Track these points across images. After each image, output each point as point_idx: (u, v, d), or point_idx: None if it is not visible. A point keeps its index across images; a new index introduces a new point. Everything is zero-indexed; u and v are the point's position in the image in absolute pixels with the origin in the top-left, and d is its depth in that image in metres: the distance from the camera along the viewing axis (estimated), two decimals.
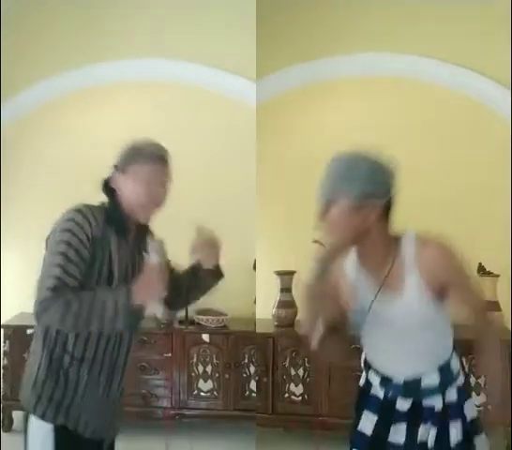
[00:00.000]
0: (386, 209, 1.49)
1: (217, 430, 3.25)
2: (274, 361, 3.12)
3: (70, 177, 3.30)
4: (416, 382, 1.59)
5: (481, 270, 3.07)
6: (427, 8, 3.26)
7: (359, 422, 1.69)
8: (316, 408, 3.08)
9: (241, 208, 3.37)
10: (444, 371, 1.60)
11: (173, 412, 3.17)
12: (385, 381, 1.65)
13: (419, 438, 1.60)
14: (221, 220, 3.42)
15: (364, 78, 3.39)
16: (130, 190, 1.63)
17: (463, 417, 1.61)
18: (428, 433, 1.59)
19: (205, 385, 3.21)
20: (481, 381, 2.81)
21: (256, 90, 3.34)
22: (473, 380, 2.82)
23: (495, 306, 3.01)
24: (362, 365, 1.77)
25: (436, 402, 1.60)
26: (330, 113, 3.48)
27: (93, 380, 1.62)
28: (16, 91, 3.54)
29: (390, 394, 1.64)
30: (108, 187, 1.67)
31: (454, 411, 1.60)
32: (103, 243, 1.59)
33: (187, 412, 3.21)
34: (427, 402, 1.60)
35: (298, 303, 1.48)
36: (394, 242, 1.53)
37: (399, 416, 1.62)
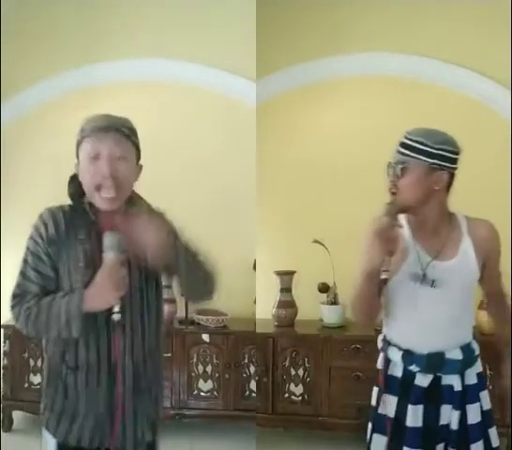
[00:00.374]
0: (452, 179, 1.67)
1: (217, 430, 3.25)
2: (274, 361, 3.12)
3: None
4: (440, 355, 1.65)
5: None
6: (427, 8, 3.26)
7: (379, 405, 1.72)
8: (316, 408, 3.08)
9: (241, 208, 3.37)
10: (466, 351, 1.68)
11: (173, 412, 3.17)
12: (408, 354, 1.68)
13: (441, 421, 1.66)
14: (221, 220, 3.45)
15: (364, 78, 3.39)
16: (81, 173, 1.49)
17: (481, 404, 1.70)
18: (449, 416, 1.66)
19: (205, 385, 3.21)
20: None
21: (256, 90, 3.34)
22: None
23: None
24: (379, 345, 1.79)
25: (455, 382, 1.66)
26: (330, 113, 3.48)
27: (92, 389, 1.50)
28: (16, 91, 3.54)
29: (412, 367, 1.67)
30: (76, 183, 1.53)
31: (473, 394, 1.68)
32: (67, 242, 1.48)
33: (187, 412, 3.21)
34: (446, 381, 1.66)
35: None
36: (448, 214, 1.71)
37: (418, 395, 1.66)
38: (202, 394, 3.21)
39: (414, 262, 1.65)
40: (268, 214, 3.47)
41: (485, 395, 1.73)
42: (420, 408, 1.66)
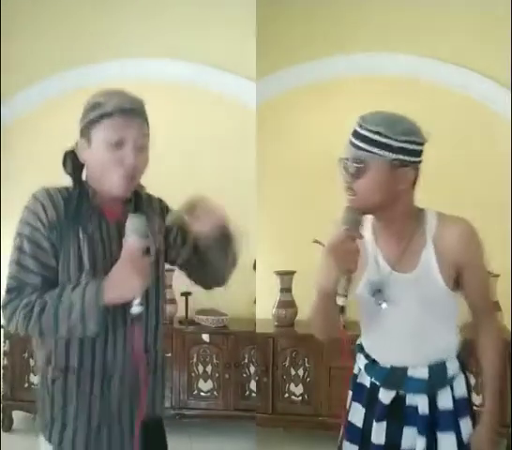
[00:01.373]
0: (417, 174, 1.41)
1: (217, 430, 3.25)
2: (274, 361, 3.12)
3: None
4: (402, 371, 1.47)
5: None
6: (427, 9, 3.26)
7: (349, 412, 1.57)
8: (316, 408, 3.08)
9: (241, 208, 3.35)
10: (436, 370, 1.47)
11: (173, 412, 3.17)
12: (372, 364, 1.53)
13: (404, 445, 1.46)
14: None
15: (364, 78, 3.38)
16: (96, 158, 1.32)
17: (458, 434, 1.46)
18: (414, 441, 1.45)
19: (205, 385, 3.21)
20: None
21: (256, 90, 3.34)
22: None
23: (495, 305, 3.01)
24: (356, 348, 1.63)
25: (421, 403, 1.46)
26: (330, 113, 3.48)
27: (84, 393, 1.35)
28: (15, 91, 3.54)
29: (373, 379, 1.53)
30: (73, 161, 1.38)
31: (446, 421, 1.46)
32: (68, 228, 1.31)
33: (187, 412, 3.21)
34: (410, 401, 1.48)
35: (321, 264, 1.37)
36: (416, 215, 1.45)
37: (381, 411, 1.49)
38: (202, 394, 3.21)
39: (373, 272, 1.46)
40: (268, 214, 3.47)
41: (466, 423, 1.46)
42: (383, 425, 1.48)
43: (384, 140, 1.32)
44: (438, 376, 1.47)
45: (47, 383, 1.37)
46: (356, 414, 1.56)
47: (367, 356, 1.56)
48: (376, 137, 1.32)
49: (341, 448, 1.58)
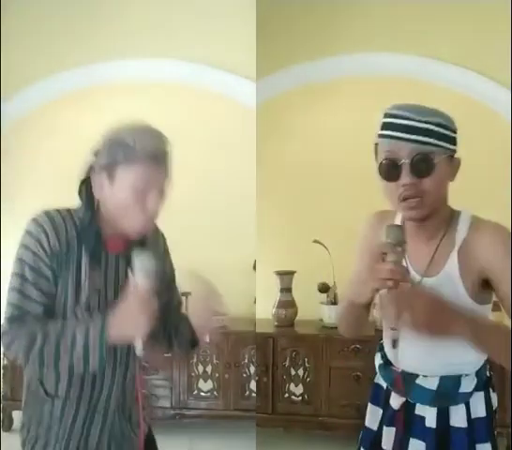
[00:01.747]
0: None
1: (217, 430, 3.25)
2: (274, 361, 3.12)
3: (71, 178, 3.30)
4: (412, 377, 1.40)
5: None
6: (427, 8, 3.26)
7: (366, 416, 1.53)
8: (316, 408, 3.08)
9: (241, 208, 3.37)
10: (447, 384, 1.38)
11: (173, 412, 3.17)
12: (385, 365, 1.48)
13: None
14: (221, 220, 3.46)
15: (364, 78, 3.39)
16: (118, 199, 1.28)
17: None
18: None
19: (205, 385, 3.21)
20: None
21: (256, 90, 3.34)
22: None
23: (495, 306, 3.00)
24: (377, 347, 1.58)
25: (428, 415, 1.39)
26: (330, 113, 3.48)
27: (66, 422, 1.35)
28: (14, 91, 3.53)
29: (381, 380, 1.50)
30: (87, 189, 1.34)
31: (460, 442, 1.36)
32: (69, 257, 1.29)
33: (187, 412, 3.21)
34: (419, 410, 1.41)
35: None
36: (450, 216, 1.35)
37: (391, 415, 1.44)
38: (202, 394, 3.21)
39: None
40: (268, 214, 3.47)
41: (483, 448, 1.36)
42: (392, 431, 1.43)
43: (446, 132, 1.26)
44: (448, 390, 1.38)
45: (38, 405, 1.38)
46: (372, 417, 1.51)
47: (383, 356, 1.51)
48: (438, 129, 1.25)
49: None
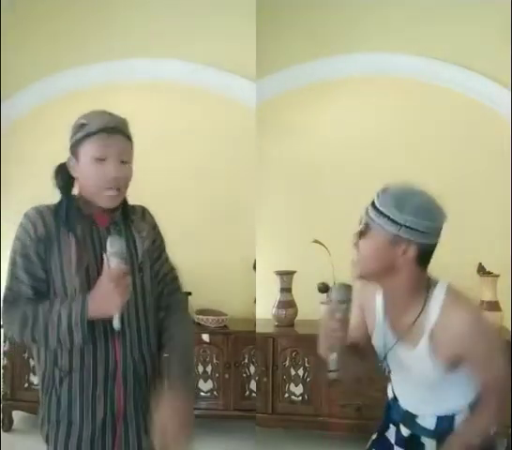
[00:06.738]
0: (425, 253, 1.38)
1: (217, 430, 3.25)
2: (274, 361, 3.12)
3: None
4: (413, 417, 1.57)
5: (481, 270, 3.07)
6: (427, 9, 3.26)
7: (385, 429, 1.66)
8: (316, 408, 3.08)
9: (241, 208, 3.38)
10: (443, 422, 1.51)
11: None
12: (394, 401, 1.63)
13: None
14: (221, 220, 3.45)
15: (364, 78, 3.39)
16: (83, 173, 1.45)
17: None
18: None
19: (205, 385, 3.21)
20: None
21: (256, 90, 3.34)
22: None
23: (495, 306, 3.01)
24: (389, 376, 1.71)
25: (429, 446, 1.54)
26: (330, 113, 3.48)
27: (88, 394, 1.44)
28: (14, 91, 3.53)
29: (396, 413, 1.62)
30: (63, 175, 1.50)
31: None
32: (53, 242, 1.43)
33: None
34: (424, 440, 1.55)
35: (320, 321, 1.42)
36: (425, 291, 1.42)
37: (401, 439, 1.59)
38: (202, 394, 3.21)
39: (379, 339, 1.52)
40: (268, 214, 3.47)
41: None
42: None
43: (389, 214, 1.35)
44: (445, 427, 1.51)
45: (55, 386, 1.46)
46: (390, 431, 1.64)
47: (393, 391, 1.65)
48: (383, 209, 1.35)
49: None
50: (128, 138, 1.50)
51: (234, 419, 3.19)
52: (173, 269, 1.68)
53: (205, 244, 3.40)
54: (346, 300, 1.37)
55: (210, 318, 3.24)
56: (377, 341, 1.52)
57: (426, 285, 1.43)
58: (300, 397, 3.12)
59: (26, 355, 3.22)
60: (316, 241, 3.20)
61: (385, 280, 1.41)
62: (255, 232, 3.34)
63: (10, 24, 3.47)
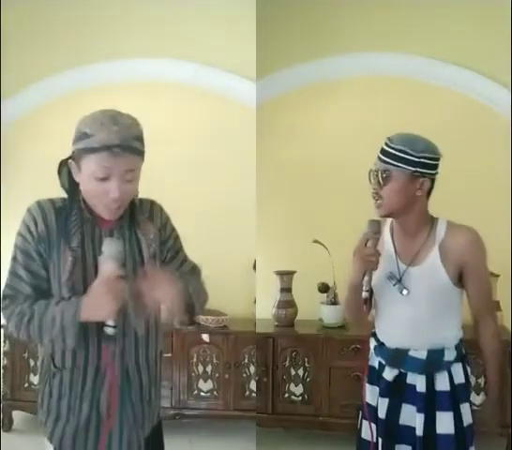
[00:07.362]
0: (432, 184, 1.67)
1: (217, 430, 3.25)
2: (274, 361, 3.12)
3: None
4: (404, 351, 1.70)
5: None
6: (427, 9, 3.26)
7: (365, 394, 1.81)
8: (316, 408, 3.08)
9: (241, 208, 3.37)
10: (434, 354, 1.69)
11: (172, 412, 3.17)
12: (380, 346, 1.77)
13: (401, 420, 1.70)
14: (221, 220, 3.45)
15: (364, 78, 3.39)
16: (84, 185, 1.37)
17: (458, 416, 1.67)
18: (411, 417, 1.68)
19: (205, 385, 3.21)
20: (481, 381, 2.82)
21: (256, 90, 3.34)
22: (472, 380, 2.82)
23: (495, 305, 3.01)
24: (371, 334, 1.87)
25: (419, 382, 1.68)
26: (330, 113, 3.48)
27: (76, 393, 1.44)
28: (14, 92, 3.53)
29: (379, 358, 1.77)
30: (68, 172, 1.42)
31: (443, 402, 1.67)
32: (57, 239, 1.39)
33: (187, 412, 3.21)
34: (410, 379, 1.70)
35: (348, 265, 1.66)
36: (429, 221, 1.71)
37: (385, 387, 1.73)
38: (202, 394, 3.21)
39: (391, 266, 1.71)
40: (268, 214, 3.47)
41: (465, 408, 1.68)
42: (386, 401, 1.73)
43: (404, 155, 1.60)
44: (435, 359, 1.69)
45: (50, 380, 1.47)
46: (370, 394, 1.80)
47: (377, 340, 1.80)
48: (398, 153, 1.61)
49: (360, 429, 1.85)
50: (138, 152, 1.37)
51: (234, 419, 3.20)
52: (194, 268, 1.63)
53: (205, 244, 3.39)
54: (377, 232, 1.65)
55: (210, 318, 3.24)
56: (388, 270, 1.70)
57: (430, 217, 1.71)
58: (300, 397, 3.12)
59: (26, 355, 3.23)
60: (316, 241, 3.20)
61: (402, 215, 1.68)
62: (255, 232, 3.34)
63: (10, 24, 3.47)
